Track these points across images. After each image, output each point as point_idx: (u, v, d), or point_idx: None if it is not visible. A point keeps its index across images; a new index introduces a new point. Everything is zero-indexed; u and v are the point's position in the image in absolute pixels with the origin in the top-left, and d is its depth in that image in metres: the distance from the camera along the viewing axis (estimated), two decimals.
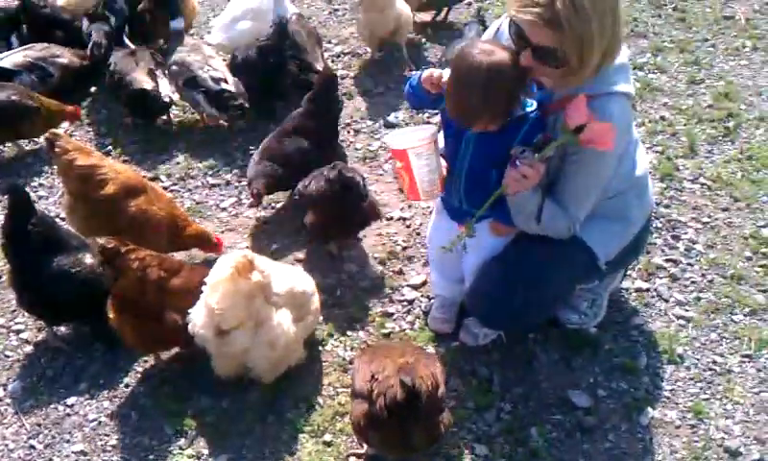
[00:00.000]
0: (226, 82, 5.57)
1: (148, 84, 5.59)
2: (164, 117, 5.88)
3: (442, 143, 3.69)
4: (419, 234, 4.79)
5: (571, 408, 3.78)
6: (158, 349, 4.00)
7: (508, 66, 3.19)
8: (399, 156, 3.52)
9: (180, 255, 4.51)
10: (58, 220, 4.46)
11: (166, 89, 5.67)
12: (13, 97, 5.33)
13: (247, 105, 5.53)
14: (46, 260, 3.98)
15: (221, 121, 5.82)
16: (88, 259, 4.03)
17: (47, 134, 4.43)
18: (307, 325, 3.89)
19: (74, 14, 6.41)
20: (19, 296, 4.09)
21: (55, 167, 4.69)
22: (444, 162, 3.62)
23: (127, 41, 6.26)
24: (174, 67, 5.76)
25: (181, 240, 4.48)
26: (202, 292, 3.57)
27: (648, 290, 4.38)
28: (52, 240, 4.03)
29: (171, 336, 3.78)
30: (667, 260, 4.56)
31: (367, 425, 3.22)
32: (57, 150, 4.32)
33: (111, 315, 3.76)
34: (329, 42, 6.81)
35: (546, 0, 3.02)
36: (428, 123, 5.53)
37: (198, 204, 5.14)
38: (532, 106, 3.36)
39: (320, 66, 5.81)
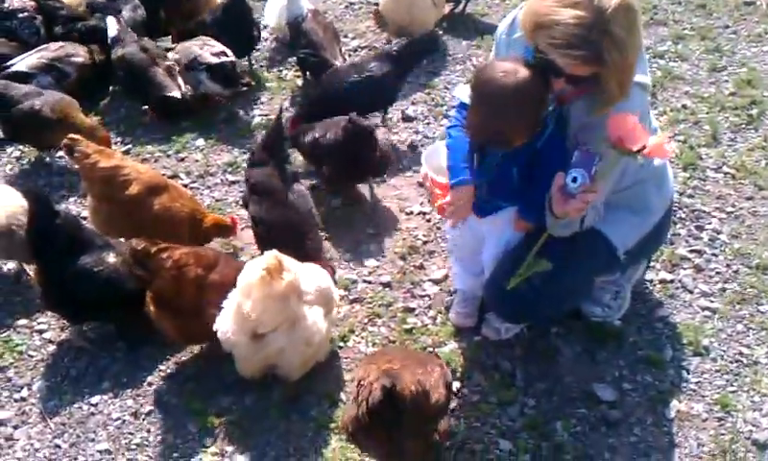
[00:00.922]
0: (225, 54, 5.76)
1: (174, 91, 5.69)
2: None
3: None
4: (439, 229, 4.76)
5: (596, 402, 3.75)
6: (199, 342, 4.05)
7: (534, 83, 3.16)
8: (439, 186, 3.67)
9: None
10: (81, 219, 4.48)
11: (186, 88, 5.79)
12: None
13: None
14: (70, 259, 3.99)
15: (224, 95, 5.93)
16: (111, 258, 4.04)
17: (65, 140, 4.42)
18: (332, 319, 3.91)
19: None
20: (44, 294, 4.10)
21: (74, 167, 4.68)
22: None
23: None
24: (176, 56, 5.88)
25: (201, 233, 4.49)
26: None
27: (672, 281, 4.33)
28: (76, 240, 4.04)
29: (211, 331, 3.74)
30: (691, 251, 4.52)
31: (355, 432, 3.16)
32: (77, 155, 4.35)
33: (152, 310, 3.80)
34: (346, 37, 6.78)
35: (589, 41, 2.97)
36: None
37: (217, 201, 5.13)
38: (551, 105, 3.34)
39: (338, 62, 5.83)
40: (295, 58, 6.34)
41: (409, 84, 6.08)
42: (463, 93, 3.55)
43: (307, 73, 6.21)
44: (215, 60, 5.73)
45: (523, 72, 3.15)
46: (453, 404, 3.61)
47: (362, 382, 3.08)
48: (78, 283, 3.96)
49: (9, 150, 5.70)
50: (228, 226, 4.57)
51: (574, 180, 3.11)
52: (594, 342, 4.02)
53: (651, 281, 4.33)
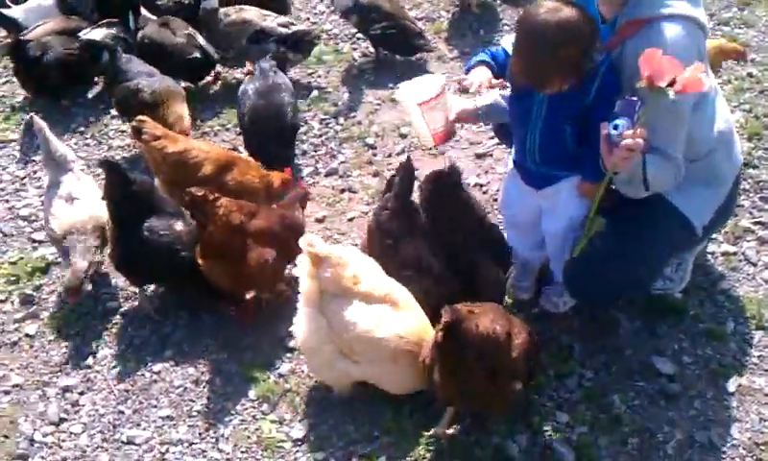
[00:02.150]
0: (293, 24, 5.93)
1: (198, 52, 5.81)
2: (209, 77, 6.09)
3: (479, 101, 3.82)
4: (495, 200, 4.73)
5: (655, 375, 3.72)
6: (244, 288, 4.15)
7: (577, 22, 3.13)
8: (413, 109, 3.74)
9: None
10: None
11: (211, 50, 5.89)
12: None
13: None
14: (141, 223, 4.10)
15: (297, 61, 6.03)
16: (179, 226, 4.13)
17: (133, 122, 4.54)
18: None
19: None
20: (111, 253, 4.21)
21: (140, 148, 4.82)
22: (450, 104, 3.77)
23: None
24: (227, 28, 5.87)
25: (273, 195, 4.54)
26: (279, 232, 3.90)
27: (735, 253, 4.25)
28: (148, 205, 4.17)
29: (254, 276, 3.94)
30: (755, 223, 4.42)
31: (428, 368, 3.26)
32: (145, 137, 4.45)
33: (201, 261, 3.91)
34: (403, 8, 6.74)
35: None
36: None
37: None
38: (601, 55, 3.28)
39: (416, 27, 6.08)
40: (356, 31, 6.38)
41: (465, 57, 6.04)
42: (507, 42, 3.57)
43: (381, 49, 6.20)
44: (285, 31, 5.83)
45: (567, 10, 3.14)
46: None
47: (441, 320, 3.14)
48: (143, 246, 4.06)
49: (73, 125, 5.82)
50: (290, 179, 4.64)
51: (616, 127, 3.05)
52: (655, 315, 3.98)
53: (713, 254, 4.26)
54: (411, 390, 3.59)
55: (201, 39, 5.89)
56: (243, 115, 5.09)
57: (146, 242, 4.06)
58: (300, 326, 3.57)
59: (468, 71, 3.69)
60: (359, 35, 6.37)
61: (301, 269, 3.51)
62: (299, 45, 5.89)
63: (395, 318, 3.48)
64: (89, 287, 4.33)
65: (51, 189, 4.42)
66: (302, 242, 3.45)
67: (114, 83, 5.48)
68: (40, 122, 4.49)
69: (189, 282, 4.10)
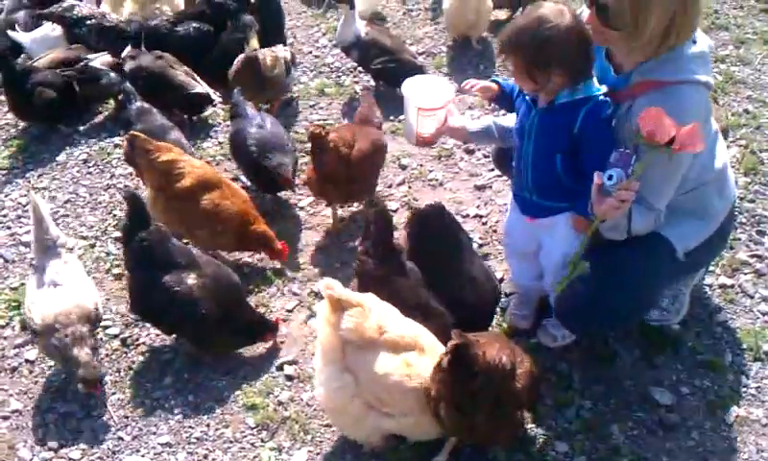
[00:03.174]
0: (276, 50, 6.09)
1: (200, 88, 5.93)
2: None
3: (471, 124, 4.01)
4: (495, 231, 4.78)
5: (653, 405, 3.73)
6: (355, 200, 4.95)
7: (573, 24, 3.27)
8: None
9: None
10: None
11: (208, 89, 5.97)
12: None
13: None
14: (155, 273, 4.00)
15: None
16: (190, 280, 4.00)
17: (127, 136, 4.64)
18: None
19: None
20: (131, 302, 4.17)
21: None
22: (424, 127, 3.95)
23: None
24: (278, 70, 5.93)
25: (247, 237, 4.56)
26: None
27: (732, 286, 4.28)
28: (163, 254, 4.05)
29: (359, 190, 4.73)
30: (752, 256, 4.46)
31: (434, 399, 3.21)
32: (137, 149, 4.53)
33: (315, 188, 4.72)
34: (404, 42, 6.83)
35: None
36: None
37: (278, 204, 5.21)
38: (599, 90, 3.38)
39: (417, 62, 6.23)
40: (357, 66, 6.46)
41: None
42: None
43: (381, 83, 6.29)
44: (290, 55, 6.12)
45: (566, 14, 3.29)
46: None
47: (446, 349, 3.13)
48: (156, 301, 4.00)
49: (76, 153, 5.87)
50: (275, 248, 4.61)
51: (610, 178, 3.11)
52: (652, 346, 3.99)
53: (710, 286, 4.29)
54: (441, 435, 3.49)
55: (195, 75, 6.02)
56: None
57: (159, 295, 3.98)
58: (322, 385, 3.40)
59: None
60: (360, 68, 6.44)
61: (320, 317, 3.37)
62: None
63: (424, 364, 3.30)
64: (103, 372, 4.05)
65: (36, 274, 4.09)
66: (321, 285, 3.31)
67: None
68: (37, 199, 4.10)
69: (202, 335, 4.08)
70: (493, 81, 3.88)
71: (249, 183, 5.23)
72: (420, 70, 6.09)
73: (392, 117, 5.93)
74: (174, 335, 4.23)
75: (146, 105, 5.40)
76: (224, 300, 4.03)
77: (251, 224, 4.57)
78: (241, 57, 5.84)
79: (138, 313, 4.20)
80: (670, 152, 3.04)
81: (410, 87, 3.95)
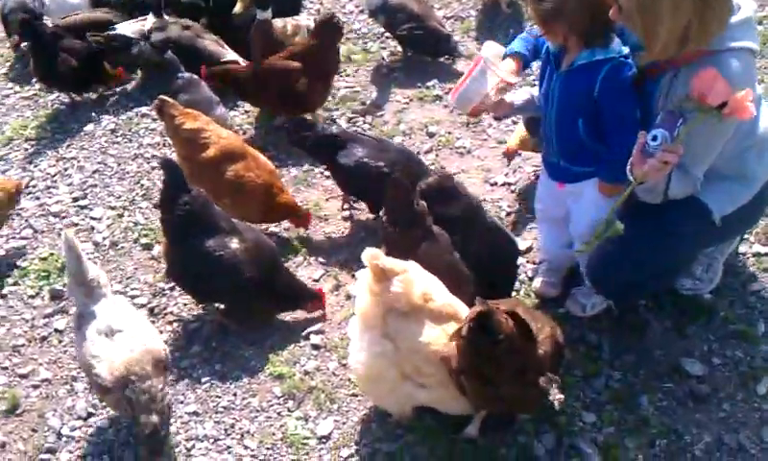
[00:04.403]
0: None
1: (231, 55, 5.91)
2: None
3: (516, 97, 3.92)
4: (524, 200, 4.71)
5: (684, 376, 3.67)
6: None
7: None
8: (476, 60, 3.77)
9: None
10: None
11: (237, 56, 5.94)
12: None
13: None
14: (196, 240, 3.97)
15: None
16: (234, 244, 3.99)
17: (156, 101, 4.63)
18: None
19: None
20: (168, 269, 4.17)
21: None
22: (489, 99, 3.75)
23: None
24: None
25: (273, 208, 4.55)
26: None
27: (767, 255, 4.19)
28: (204, 221, 4.01)
29: None
30: None
31: (457, 368, 3.17)
32: (165, 115, 4.54)
33: None
34: (432, 8, 6.73)
35: None
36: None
37: (305, 171, 5.18)
38: (621, 52, 3.33)
39: (444, 30, 6.11)
40: (385, 31, 6.38)
41: None
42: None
43: (408, 49, 6.22)
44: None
45: None
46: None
47: (467, 316, 3.10)
48: (199, 266, 3.98)
49: (104, 123, 5.88)
50: (300, 214, 4.62)
51: (654, 138, 3.03)
52: (684, 316, 3.93)
53: (744, 254, 4.20)
54: (472, 411, 3.47)
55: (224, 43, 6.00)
56: None
57: (201, 260, 3.96)
58: (360, 352, 3.35)
59: (504, 57, 3.81)
60: (387, 34, 6.36)
61: (361, 285, 3.31)
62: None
63: None
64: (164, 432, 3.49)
65: (83, 323, 3.54)
66: (365, 256, 3.22)
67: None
68: (72, 239, 3.55)
69: (245, 302, 4.08)
70: (511, 54, 3.79)
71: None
72: (447, 39, 6.01)
73: (419, 84, 5.87)
74: (208, 303, 4.22)
75: (195, 77, 5.34)
76: (265, 265, 4.02)
77: (275, 196, 4.55)
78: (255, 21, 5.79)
79: (178, 280, 4.17)
80: (720, 116, 2.97)
81: (490, 54, 3.79)
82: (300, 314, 4.17)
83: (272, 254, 4.13)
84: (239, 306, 4.14)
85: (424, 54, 6.17)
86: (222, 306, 4.21)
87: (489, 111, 4.06)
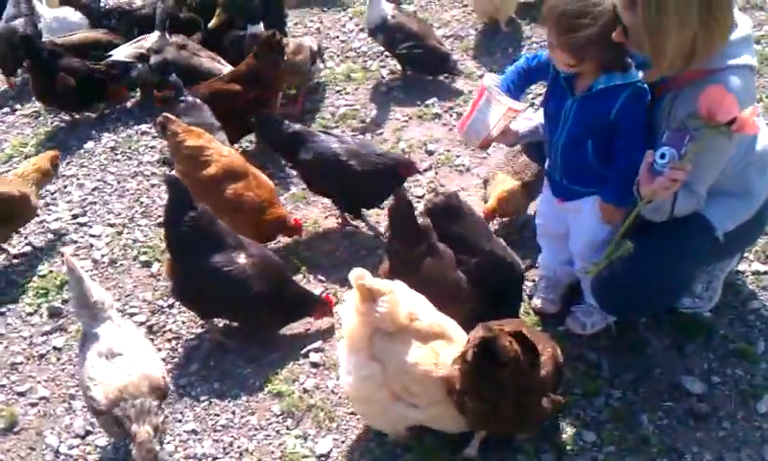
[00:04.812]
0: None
1: (228, 70, 5.83)
2: None
3: (521, 125, 3.87)
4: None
5: (684, 395, 3.66)
6: None
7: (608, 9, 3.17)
8: (480, 92, 3.70)
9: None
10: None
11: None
12: None
13: None
14: (201, 256, 3.96)
15: None
16: (242, 259, 3.99)
17: (159, 118, 4.64)
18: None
19: None
20: (174, 288, 4.17)
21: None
22: (499, 127, 3.70)
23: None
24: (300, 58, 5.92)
25: (263, 226, 4.52)
26: None
27: (766, 273, 4.19)
28: (209, 237, 4.01)
29: None
30: None
31: (458, 389, 3.17)
32: (168, 133, 4.56)
33: None
34: (431, 26, 6.76)
35: None
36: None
37: (303, 189, 5.18)
38: (638, 77, 3.33)
39: (443, 48, 6.16)
40: (383, 50, 6.40)
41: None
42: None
43: (407, 68, 6.24)
44: (315, 46, 6.06)
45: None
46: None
47: (470, 339, 3.10)
48: (207, 282, 3.97)
49: (103, 140, 5.89)
50: (290, 226, 4.61)
51: (662, 156, 3.03)
52: (684, 334, 3.92)
53: (743, 273, 4.20)
54: (468, 426, 3.43)
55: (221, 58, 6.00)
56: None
57: (210, 276, 3.96)
58: (349, 374, 3.34)
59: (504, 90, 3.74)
60: (387, 53, 6.39)
61: (348, 307, 3.30)
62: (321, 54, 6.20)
63: (451, 354, 3.24)
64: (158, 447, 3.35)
65: (86, 345, 3.53)
66: (351, 276, 3.21)
67: None
68: (73, 262, 3.53)
69: (258, 314, 4.08)
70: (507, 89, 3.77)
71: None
72: (446, 58, 6.04)
73: (418, 102, 5.90)
74: (214, 319, 4.21)
75: (198, 100, 5.28)
76: (273, 278, 4.03)
77: (263, 212, 4.53)
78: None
79: (184, 297, 4.15)
80: (729, 133, 2.98)
81: (492, 80, 3.78)
82: (298, 331, 4.17)
83: (278, 267, 4.15)
84: (249, 320, 4.15)
85: (423, 73, 6.19)
86: (223, 323, 4.21)
87: (498, 141, 4.04)
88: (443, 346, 3.28)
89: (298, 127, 4.86)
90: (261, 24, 5.80)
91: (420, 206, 4.84)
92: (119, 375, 3.38)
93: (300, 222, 4.72)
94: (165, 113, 4.68)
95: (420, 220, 3.77)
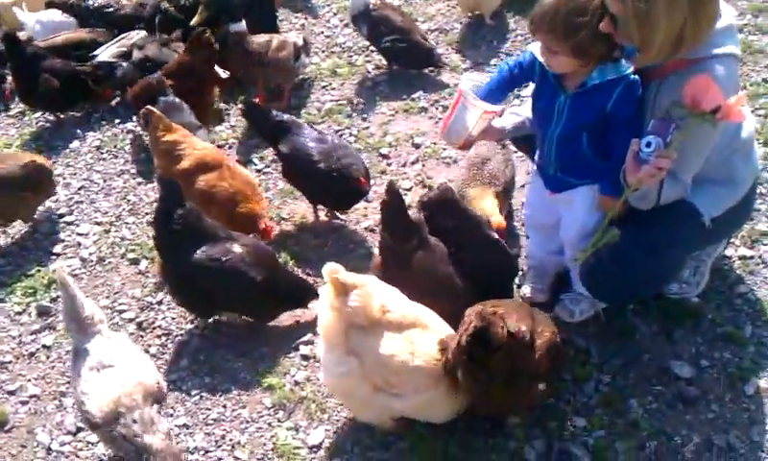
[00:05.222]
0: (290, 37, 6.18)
1: None
2: None
3: (507, 121, 3.86)
4: (515, 209, 4.73)
5: (672, 379, 3.68)
6: None
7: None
8: (458, 94, 3.69)
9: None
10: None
11: (218, 70, 5.91)
12: None
13: None
14: (191, 252, 3.96)
15: None
16: (237, 249, 4.00)
17: (143, 110, 4.69)
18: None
19: None
20: (170, 289, 4.19)
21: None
22: (477, 129, 3.70)
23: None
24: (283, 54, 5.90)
25: (237, 219, 4.46)
26: None
27: (752, 257, 4.22)
28: (198, 233, 4.01)
29: None
30: None
31: (451, 367, 3.20)
32: (149, 126, 4.63)
33: None
34: (416, 20, 6.77)
35: None
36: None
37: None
38: (628, 69, 3.33)
39: (428, 43, 6.16)
40: (369, 44, 6.40)
41: (478, 67, 6.10)
42: (535, 47, 3.56)
43: (393, 62, 6.25)
44: (301, 42, 6.06)
45: None
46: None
47: (465, 319, 3.12)
48: (200, 276, 3.96)
49: (89, 139, 5.88)
50: (258, 227, 4.52)
51: (648, 144, 3.06)
52: (672, 319, 3.94)
53: (730, 258, 4.23)
54: (453, 414, 3.47)
55: None
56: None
57: (209, 270, 3.94)
58: (328, 372, 3.38)
59: (484, 96, 3.71)
60: (372, 47, 6.39)
61: (323, 302, 3.31)
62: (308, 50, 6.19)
63: (426, 341, 3.29)
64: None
65: (77, 361, 3.49)
66: (325, 270, 3.23)
67: None
68: (65, 277, 3.50)
69: (257, 306, 4.10)
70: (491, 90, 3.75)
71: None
72: (430, 52, 6.06)
73: (404, 96, 5.91)
74: (213, 315, 4.22)
75: (177, 100, 5.24)
76: (266, 266, 4.03)
77: (236, 204, 4.50)
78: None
79: (182, 294, 4.13)
80: (713, 121, 3.00)
81: (468, 82, 3.78)
82: (288, 324, 4.18)
83: (272, 256, 4.16)
84: (248, 310, 4.15)
85: (407, 67, 6.20)
86: (213, 319, 4.23)
87: (483, 139, 4.04)
88: (418, 334, 3.31)
89: (286, 117, 4.85)
90: (243, 22, 5.78)
91: (407, 199, 4.88)
92: (112, 386, 3.35)
93: (272, 229, 4.61)
94: (149, 106, 4.70)
95: (411, 214, 3.79)
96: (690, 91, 3.00)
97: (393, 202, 3.73)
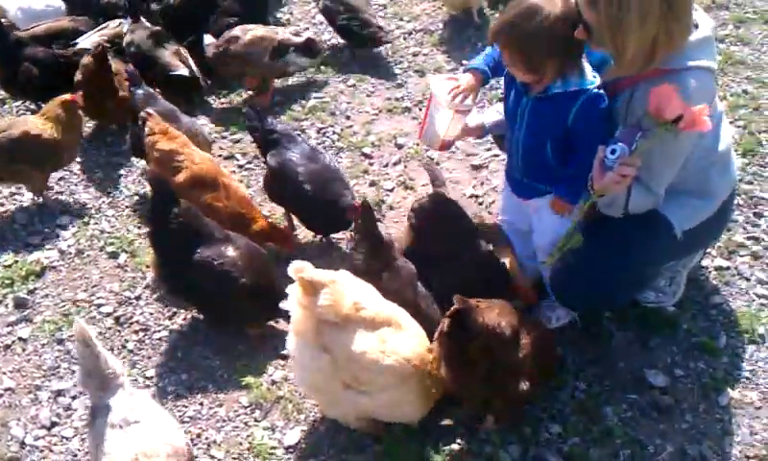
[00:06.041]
0: (301, 35, 6.16)
1: (185, 70, 5.76)
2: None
3: (488, 117, 3.96)
4: (490, 213, 4.75)
5: (647, 387, 3.71)
6: None
7: (559, 17, 3.22)
8: (429, 98, 3.77)
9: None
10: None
11: (196, 69, 5.86)
12: None
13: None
14: (188, 252, 3.94)
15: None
16: (231, 252, 3.97)
17: (142, 114, 4.59)
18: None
19: None
20: (165, 285, 4.17)
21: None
22: (452, 129, 3.78)
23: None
24: (244, 50, 5.85)
25: (250, 236, 4.36)
26: None
27: (728, 268, 4.26)
28: (194, 232, 3.98)
29: None
30: (749, 238, 4.43)
31: (434, 360, 3.28)
32: (146, 130, 4.49)
33: None
34: (401, 20, 6.81)
35: None
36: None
37: None
38: (593, 83, 3.37)
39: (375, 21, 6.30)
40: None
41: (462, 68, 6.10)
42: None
43: (353, 49, 6.34)
44: (299, 40, 6.01)
45: (556, 2, 3.24)
46: None
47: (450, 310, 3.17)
48: (196, 276, 3.93)
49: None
50: (282, 237, 4.52)
51: (613, 152, 3.11)
52: (647, 328, 3.98)
53: (706, 268, 4.27)
54: (421, 414, 3.49)
55: (188, 57, 5.90)
56: None
57: (200, 271, 3.92)
58: (299, 367, 3.39)
59: (465, 71, 3.82)
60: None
61: (292, 300, 3.28)
62: (311, 50, 6.08)
63: (398, 341, 3.31)
64: None
65: (97, 419, 3.12)
66: (291, 269, 3.20)
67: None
68: (85, 330, 3.07)
69: (248, 309, 4.04)
70: (469, 70, 3.80)
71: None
72: (379, 28, 6.21)
73: (388, 96, 5.92)
74: (204, 311, 4.18)
75: (150, 90, 5.17)
76: (259, 270, 4.02)
77: (248, 225, 4.41)
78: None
79: (174, 291, 4.13)
80: (675, 130, 3.03)
81: (438, 86, 3.75)
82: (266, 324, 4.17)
83: (264, 260, 4.13)
84: (233, 312, 4.08)
85: (359, 46, 6.32)
86: (191, 316, 4.21)
87: (464, 137, 4.08)
88: (390, 333, 3.32)
89: (280, 127, 4.66)
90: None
91: (388, 200, 4.90)
92: (136, 443, 3.02)
93: (290, 232, 4.63)
94: (147, 109, 4.63)
95: (383, 234, 3.79)
96: (654, 100, 3.04)
97: (363, 219, 3.75)
